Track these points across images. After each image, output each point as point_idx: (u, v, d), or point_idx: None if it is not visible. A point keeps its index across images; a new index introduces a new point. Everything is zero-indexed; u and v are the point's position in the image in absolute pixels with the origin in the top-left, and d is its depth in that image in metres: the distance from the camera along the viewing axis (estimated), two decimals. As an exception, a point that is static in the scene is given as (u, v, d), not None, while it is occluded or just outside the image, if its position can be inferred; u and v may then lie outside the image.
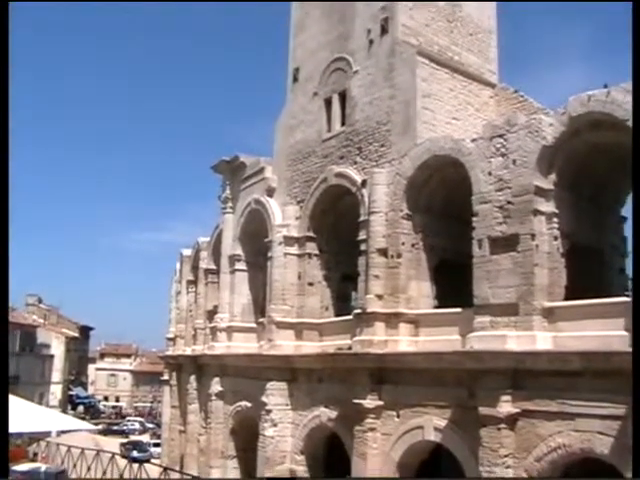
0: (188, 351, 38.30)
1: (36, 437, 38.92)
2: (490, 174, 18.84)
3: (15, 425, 14.58)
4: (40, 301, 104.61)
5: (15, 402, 16.09)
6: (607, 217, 21.08)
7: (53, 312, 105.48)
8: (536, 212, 17.87)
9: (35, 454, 38.88)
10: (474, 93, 24.72)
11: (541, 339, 17.26)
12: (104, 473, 27.70)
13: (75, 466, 29.82)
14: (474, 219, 19.00)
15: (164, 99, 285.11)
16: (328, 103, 27.07)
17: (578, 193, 19.24)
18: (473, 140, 19.92)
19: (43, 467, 14.97)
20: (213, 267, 35.87)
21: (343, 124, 26.06)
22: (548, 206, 18.14)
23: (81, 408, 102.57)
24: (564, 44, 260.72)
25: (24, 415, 14.97)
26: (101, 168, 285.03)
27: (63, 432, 45.39)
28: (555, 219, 18.20)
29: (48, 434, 39.83)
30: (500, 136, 18.83)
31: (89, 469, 28.83)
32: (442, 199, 22.07)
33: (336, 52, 26.84)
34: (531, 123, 18.26)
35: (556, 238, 18.20)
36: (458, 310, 19.97)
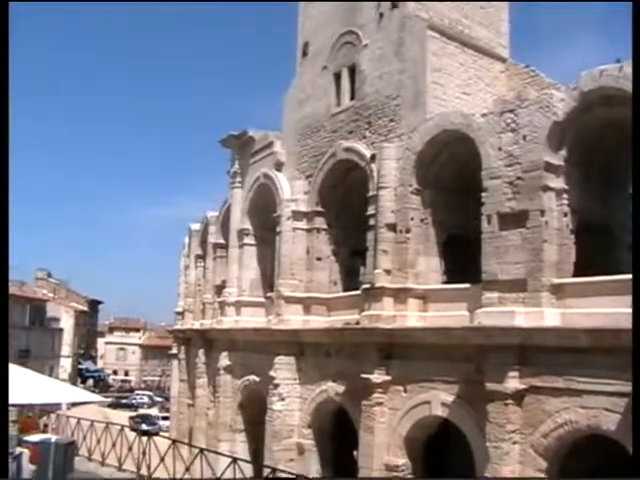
0: (197, 325, 38.39)
1: (47, 409, 39.18)
2: (500, 149, 18.72)
3: (26, 397, 14.67)
4: (49, 275, 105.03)
5: (26, 374, 16.18)
6: (617, 194, 20.94)
7: (62, 286, 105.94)
8: (546, 188, 17.77)
9: (46, 425, 39.18)
10: (485, 67, 24.52)
11: (549, 315, 17.24)
12: (113, 445, 27.89)
13: (85, 438, 30.02)
14: (483, 195, 18.91)
15: (174, 74, 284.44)
16: (337, 77, 26.90)
17: (588, 169, 19.12)
18: (483, 115, 19.78)
19: (53, 438, 15.12)
20: (222, 241, 35.84)
21: (352, 98, 25.91)
22: (558, 182, 18.04)
23: (91, 382, 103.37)
24: (578, 18, 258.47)
25: (35, 387, 15.02)
26: (110, 143, 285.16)
27: (73, 405, 45.73)
28: (565, 195, 18.11)
29: (58, 407, 40.10)
30: (510, 111, 18.68)
31: (99, 441, 29.04)
32: (451, 174, 21.96)
33: (345, 26, 26.61)
34: (542, 98, 18.10)
35: (565, 214, 18.11)
36: (466, 286, 19.94)
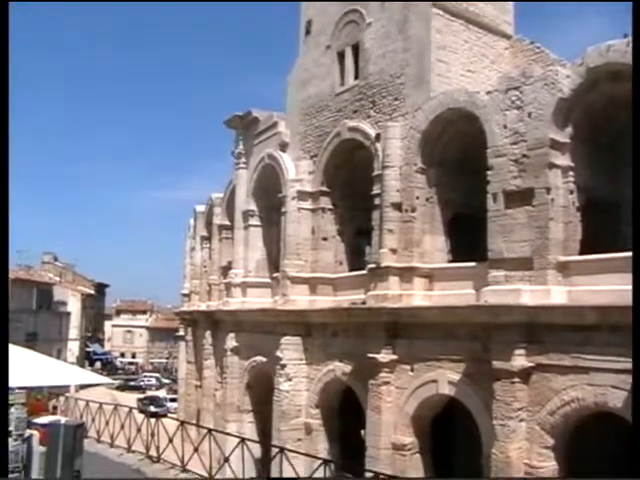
0: (203, 307, 38.51)
1: (55, 392, 39.34)
2: (505, 127, 18.63)
3: (35, 379, 14.74)
4: (56, 259, 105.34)
5: (34, 357, 16.25)
6: (624, 170, 20.84)
7: (69, 270, 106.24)
8: (551, 165, 17.70)
9: (55, 408, 39.33)
10: (489, 45, 24.33)
11: (556, 293, 17.23)
12: (122, 427, 28.01)
13: (94, 420, 30.12)
14: (489, 173, 18.84)
15: (179, 56, 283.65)
16: (341, 56, 26.72)
17: (595, 146, 19.01)
18: (488, 93, 19.66)
19: (62, 420, 15.22)
20: (227, 223, 35.86)
21: (356, 77, 25.76)
22: (564, 159, 17.97)
23: (98, 364, 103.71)
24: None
25: (43, 369, 15.08)
26: (116, 126, 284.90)
27: (82, 387, 45.92)
28: (571, 173, 18.04)
29: (67, 389, 40.26)
30: (515, 88, 18.57)
31: (107, 423, 29.14)
32: (457, 153, 21.87)
33: (349, 4, 26.40)
34: (547, 75, 17.99)
35: (572, 192, 18.06)
36: (472, 264, 19.92)
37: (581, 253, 17.75)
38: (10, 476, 12.77)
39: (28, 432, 13.77)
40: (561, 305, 17.01)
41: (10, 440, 12.96)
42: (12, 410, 13.11)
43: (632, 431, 11.19)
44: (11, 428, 13.02)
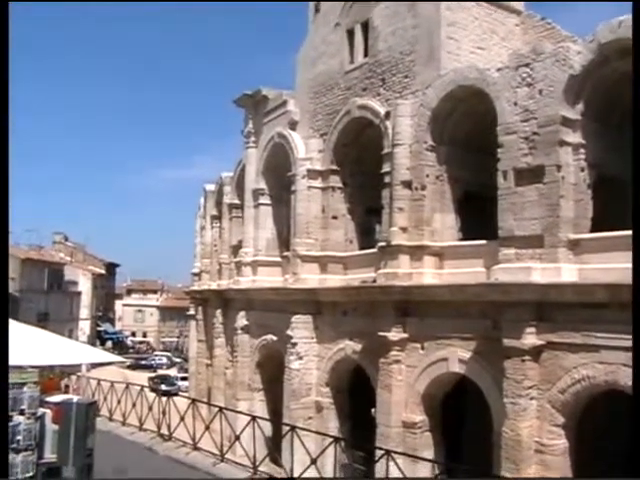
0: (213, 286, 38.58)
1: (67, 371, 39.59)
2: (516, 104, 18.51)
3: (47, 358, 14.84)
4: (66, 239, 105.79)
5: (47, 336, 16.34)
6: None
7: (79, 250, 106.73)
8: (562, 143, 17.60)
9: (67, 387, 39.55)
10: (499, 21, 24.09)
11: (566, 271, 17.19)
12: (133, 405, 28.18)
13: (105, 399, 30.34)
14: (499, 150, 18.75)
15: (188, 34, 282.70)
16: (350, 34, 26.57)
17: (606, 123, 18.88)
18: (498, 70, 19.53)
19: (75, 398, 15.31)
20: (237, 202, 35.84)
21: (366, 55, 25.62)
22: (575, 137, 17.86)
23: (109, 343, 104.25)
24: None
25: (56, 348, 15.17)
26: (126, 106, 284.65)
27: (93, 366, 46.16)
28: (582, 150, 17.94)
29: (79, 368, 40.48)
30: (526, 65, 18.43)
31: (119, 402, 29.33)
32: (467, 130, 21.77)
33: (358, -19, 26.20)
34: (558, 51, 17.83)
35: (582, 169, 17.96)
36: (483, 242, 19.88)
37: (592, 231, 17.68)
38: (24, 453, 12.92)
39: (41, 410, 13.85)
40: (572, 283, 16.98)
41: (23, 418, 13.07)
42: (25, 389, 13.19)
43: (632, 431, 11.12)
44: (24, 407, 13.11)
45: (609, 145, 18.83)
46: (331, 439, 20.78)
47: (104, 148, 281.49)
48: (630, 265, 14.50)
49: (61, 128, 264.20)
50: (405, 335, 21.36)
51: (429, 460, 19.88)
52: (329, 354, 25.44)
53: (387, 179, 22.57)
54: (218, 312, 36.14)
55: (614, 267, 15.91)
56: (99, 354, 21.45)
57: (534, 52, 18.48)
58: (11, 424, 12.83)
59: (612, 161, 18.81)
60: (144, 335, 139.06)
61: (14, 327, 15.20)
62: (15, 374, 13.04)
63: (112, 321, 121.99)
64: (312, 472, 19.56)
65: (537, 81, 18.07)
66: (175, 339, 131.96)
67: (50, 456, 13.65)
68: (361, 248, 26.39)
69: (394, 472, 17.86)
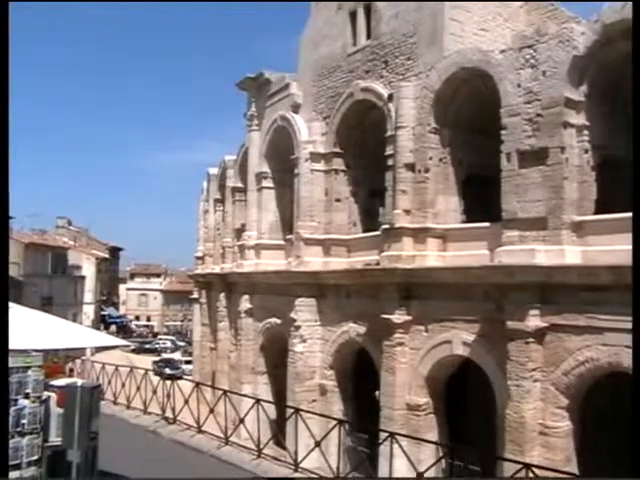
0: (217, 269, 38.62)
1: (72, 355, 39.73)
2: (519, 86, 18.43)
3: (51, 342, 14.87)
4: (70, 223, 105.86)
5: (51, 320, 16.36)
6: (639, 129, 20.65)
7: (83, 234, 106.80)
8: (566, 124, 17.53)
9: (71, 370, 39.71)
10: (503, 2, 23.92)
11: (570, 253, 17.17)
12: (138, 389, 28.29)
13: (110, 382, 30.45)
14: (503, 132, 18.68)
15: (189, 17, 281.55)
16: (353, 16, 26.39)
17: (610, 105, 18.79)
18: (502, 51, 19.42)
19: (79, 382, 15.34)
20: (240, 185, 35.74)
21: (368, 37, 25.46)
22: (578, 118, 17.80)
23: (114, 328, 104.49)
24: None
25: (60, 332, 15.19)
26: (128, 90, 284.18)
27: (97, 350, 46.30)
28: (586, 131, 17.88)
29: (83, 352, 40.61)
30: (530, 47, 18.33)
31: (123, 385, 29.45)
32: (470, 112, 21.67)
33: (360, -38, 26.02)
34: (562, 32, 17.73)
35: (586, 151, 17.91)
36: (486, 225, 19.84)
37: (596, 213, 17.65)
38: (29, 437, 12.98)
39: (45, 394, 13.90)
40: (575, 265, 16.96)
41: (28, 402, 13.13)
42: (29, 372, 13.23)
43: (632, 431, 11.10)
44: (29, 390, 13.16)
45: (613, 126, 18.75)
46: (335, 422, 20.83)
47: (107, 132, 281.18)
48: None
49: (64, 113, 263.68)
50: (409, 318, 21.36)
51: (433, 442, 19.92)
52: (333, 337, 25.48)
53: (390, 162, 22.52)
54: (222, 296, 36.18)
55: (618, 249, 15.85)
56: (103, 338, 21.48)
57: (538, 33, 18.37)
58: (16, 407, 12.89)
59: (616, 142, 18.75)
60: (148, 319, 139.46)
61: (18, 311, 15.26)
62: (20, 358, 13.07)
63: (116, 305, 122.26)
64: (316, 454, 19.63)
65: (541, 62, 17.97)
66: (179, 323, 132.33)
67: (55, 439, 13.70)
68: (364, 231, 26.36)
69: (398, 454, 17.91)
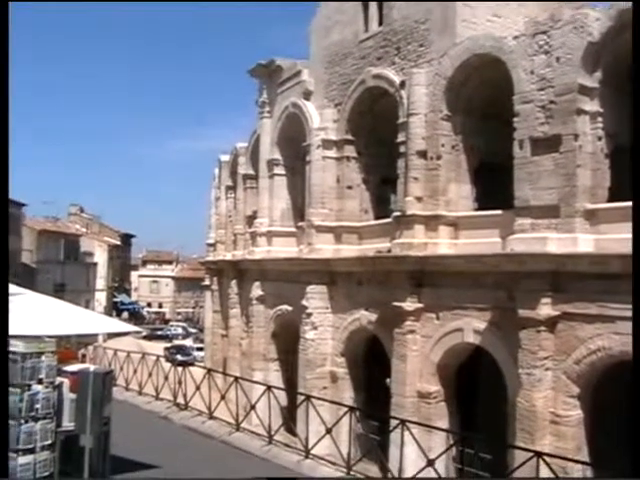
0: (228, 256, 38.61)
1: (84, 341, 39.93)
2: (532, 73, 18.32)
3: (64, 328, 14.96)
4: (82, 210, 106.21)
5: (64, 306, 16.43)
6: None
7: (95, 221, 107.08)
8: (580, 112, 17.44)
9: (84, 356, 39.89)
10: (516, -12, 23.77)
11: (582, 241, 17.11)
12: (150, 375, 28.36)
13: (122, 369, 30.54)
14: (515, 119, 18.60)
15: (200, 5, 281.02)
16: (365, 3, 26.25)
17: (625, 92, 18.63)
18: (515, 38, 19.32)
19: (92, 367, 15.41)
20: (251, 172, 35.71)
21: (380, 24, 25.35)
22: (592, 105, 17.69)
23: (125, 314, 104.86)
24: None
25: (73, 318, 15.27)
26: (139, 78, 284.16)
27: (110, 336, 46.52)
28: (599, 119, 17.77)
29: (96, 338, 40.80)
30: (543, 33, 18.21)
31: (135, 371, 29.52)
32: (482, 99, 21.56)
33: (372, -51, 25.87)
34: (576, 18, 17.58)
35: (600, 138, 17.80)
36: (498, 212, 19.80)
37: (609, 200, 17.56)
38: (42, 422, 13.05)
39: (58, 380, 13.96)
40: (588, 253, 16.90)
41: (41, 387, 13.18)
42: (43, 358, 13.28)
43: (632, 431, 11.06)
44: (42, 376, 13.21)
45: (627, 114, 18.63)
46: (346, 409, 20.82)
47: (119, 120, 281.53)
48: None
49: (76, 101, 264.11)
50: (420, 305, 21.36)
51: (444, 430, 19.91)
52: (344, 324, 25.50)
53: (402, 149, 22.46)
54: (233, 283, 36.22)
55: (631, 237, 15.80)
56: (115, 324, 21.58)
57: (552, 19, 18.24)
58: (30, 393, 12.95)
59: (630, 130, 18.62)
60: (160, 306, 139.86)
61: (32, 298, 15.34)
62: (33, 344, 13.13)
63: (128, 292, 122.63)
64: (327, 441, 19.66)
65: (554, 49, 17.86)
66: (190, 310, 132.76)
67: (68, 424, 13.77)
68: (376, 218, 26.33)
69: (409, 442, 17.93)
